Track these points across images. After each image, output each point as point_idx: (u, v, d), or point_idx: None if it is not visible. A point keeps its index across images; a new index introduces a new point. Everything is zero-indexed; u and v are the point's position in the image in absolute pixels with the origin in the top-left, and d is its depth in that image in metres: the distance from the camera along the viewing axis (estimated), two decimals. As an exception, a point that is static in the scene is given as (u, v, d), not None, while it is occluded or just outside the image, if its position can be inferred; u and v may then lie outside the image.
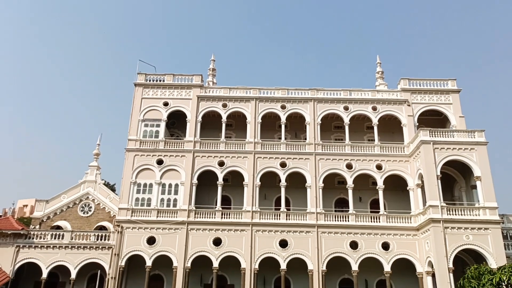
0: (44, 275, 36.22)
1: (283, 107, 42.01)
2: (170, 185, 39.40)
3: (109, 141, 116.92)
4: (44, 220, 41.08)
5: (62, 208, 41.47)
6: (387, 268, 35.87)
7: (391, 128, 42.54)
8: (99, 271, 36.10)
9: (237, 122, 43.44)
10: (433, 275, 33.96)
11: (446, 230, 33.61)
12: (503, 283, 19.81)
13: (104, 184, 45.33)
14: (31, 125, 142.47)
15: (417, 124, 40.87)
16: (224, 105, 42.22)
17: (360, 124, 43.36)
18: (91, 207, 41.69)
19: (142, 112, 41.87)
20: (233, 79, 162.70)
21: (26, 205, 64.97)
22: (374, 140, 41.13)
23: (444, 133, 37.04)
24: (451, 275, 32.23)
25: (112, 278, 35.94)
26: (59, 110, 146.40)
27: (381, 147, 40.29)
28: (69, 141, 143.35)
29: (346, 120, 41.38)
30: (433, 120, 42.71)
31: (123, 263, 36.56)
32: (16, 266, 36.36)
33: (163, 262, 37.04)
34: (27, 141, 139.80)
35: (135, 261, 37.55)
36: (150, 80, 43.36)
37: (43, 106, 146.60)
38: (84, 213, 41.48)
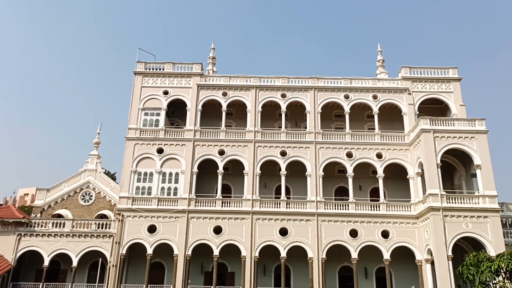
0: (46, 263, 36.48)
1: (283, 95, 41.90)
2: (170, 174, 39.47)
3: (109, 130, 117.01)
4: (45, 209, 41.24)
5: (63, 197, 41.62)
6: (386, 256, 36.08)
7: (391, 116, 42.47)
8: (100, 259, 36.32)
9: (237, 111, 43.37)
10: (432, 263, 34.16)
11: (446, 218, 33.73)
12: (502, 270, 19.89)
13: (105, 173, 45.42)
14: (31, 115, 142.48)
15: (418, 112, 40.78)
16: (224, 94, 42.10)
17: (361, 113, 43.29)
18: (91, 196, 41.82)
19: (142, 101, 41.78)
20: (233, 68, 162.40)
21: (27, 194, 65.24)
22: (374, 129, 41.08)
23: (444, 122, 36.98)
24: (450, 262, 32.44)
25: (113, 266, 36.21)
26: (59, 100, 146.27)
27: (381, 136, 40.26)
28: (69, 130, 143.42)
29: (347, 108, 41.29)
30: (434, 108, 42.59)
31: (124, 251, 36.79)
32: (18, 254, 36.62)
33: (164, 250, 37.28)
34: (27, 131, 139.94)
35: (136, 249, 37.77)
36: (149, 69, 43.19)
37: (43, 96, 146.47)
38: (84, 201, 41.63)
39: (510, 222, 37.74)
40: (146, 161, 39.81)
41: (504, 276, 20.44)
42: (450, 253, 32.79)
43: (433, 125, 36.64)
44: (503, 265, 19.50)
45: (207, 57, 47.23)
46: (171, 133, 40.90)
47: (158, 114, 41.46)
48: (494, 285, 20.86)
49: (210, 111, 42.49)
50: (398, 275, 37.57)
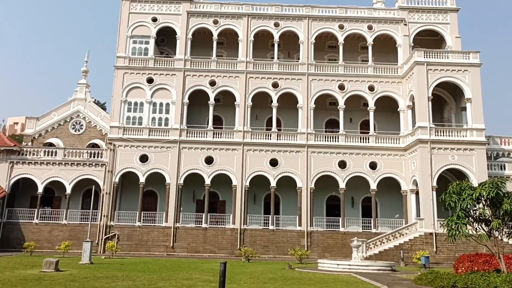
0: (40, 190, 37.10)
1: (276, 24, 40.64)
2: (161, 104, 39.13)
3: (98, 59, 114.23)
4: (36, 137, 41.23)
5: (53, 126, 41.48)
6: (373, 186, 37.16)
7: (386, 48, 41.69)
8: (93, 187, 36.92)
9: (229, 40, 42.23)
10: (417, 193, 35.35)
11: (433, 150, 34.40)
12: (482, 198, 20.58)
13: (94, 102, 44.98)
14: (18, 41, 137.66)
15: (413, 44, 40.05)
16: (215, 22, 40.70)
17: (355, 44, 42.40)
18: (82, 125, 41.69)
19: (130, 28, 40.32)
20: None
21: (17, 123, 64.63)
22: (368, 61, 40.52)
23: (438, 54, 36.53)
24: (434, 192, 33.52)
25: (106, 193, 36.94)
26: (45, 26, 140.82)
27: (374, 68, 39.81)
28: (56, 57, 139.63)
29: (341, 39, 40.37)
30: (429, 40, 41.79)
31: (116, 180, 37.38)
32: (12, 181, 37.10)
33: (156, 179, 37.93)
34: (13, 59, 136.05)
35: (129, 177, 38.35)
36: (137, -7, 41.19)
37: (29, 22, 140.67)
38: (75, 130, 41.55)
39: (495, 155, 38.65)
40: (136, 90, 39.25)
41: (484, 203, 21.21)
42: (435, 183, 33.81)
43: (427, 57, 36.20)
44: (484, 193, 20.10)
45: (198, -18, 44.97)
46: (161, 62, 39.98)
47: (147, 43, 40.24)
48: (474, 211, 21.72)
49: (200, 40, 41.31)
50: (383, 205, 38.91)
